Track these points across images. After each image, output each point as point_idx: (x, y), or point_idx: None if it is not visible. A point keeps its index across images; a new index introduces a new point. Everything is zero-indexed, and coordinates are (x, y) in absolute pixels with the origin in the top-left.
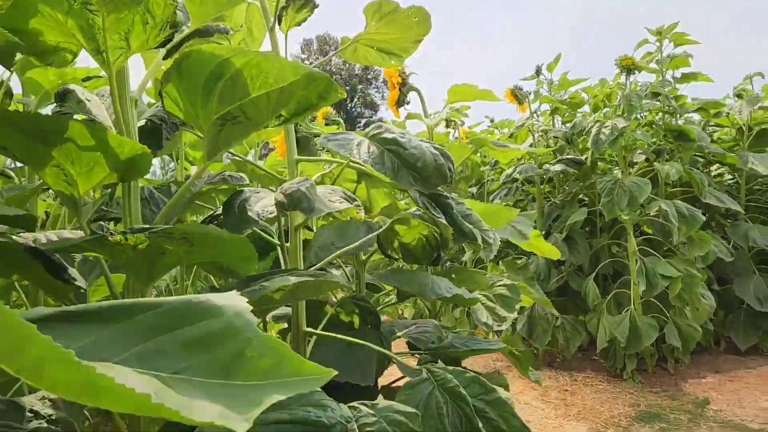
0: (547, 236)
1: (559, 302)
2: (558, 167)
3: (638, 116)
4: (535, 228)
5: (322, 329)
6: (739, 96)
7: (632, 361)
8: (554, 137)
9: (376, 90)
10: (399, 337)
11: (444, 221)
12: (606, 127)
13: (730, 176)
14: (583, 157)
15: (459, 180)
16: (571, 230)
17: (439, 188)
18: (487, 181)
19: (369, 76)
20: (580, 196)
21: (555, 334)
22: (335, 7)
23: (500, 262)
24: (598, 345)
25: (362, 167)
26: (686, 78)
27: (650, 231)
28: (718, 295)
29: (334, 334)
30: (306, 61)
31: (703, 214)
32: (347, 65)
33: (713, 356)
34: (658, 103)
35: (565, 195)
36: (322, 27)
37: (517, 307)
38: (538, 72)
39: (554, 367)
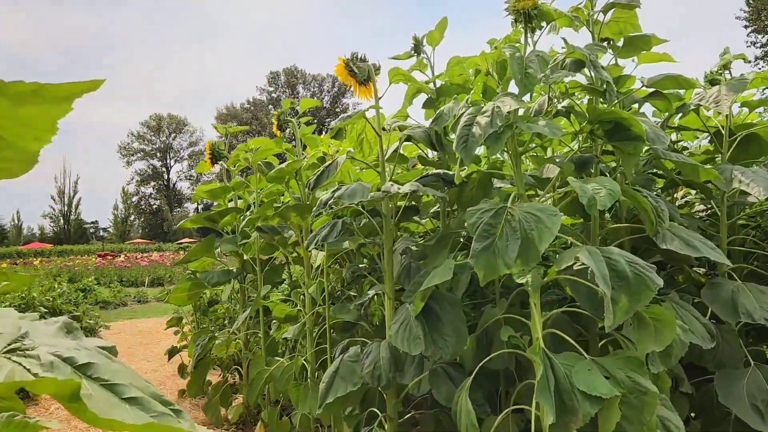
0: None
1: (430, 417)
2: (407, 188)
3: (557, 102)
4: None
5: None
6: (712, 83)
7: None
8: (408, 135)
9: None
10: None
11: None
12: (484, 113)
13: (702, 206)
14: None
15: (288, 209)
16: (432, 298)
17: None
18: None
19: (337, 110)
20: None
21: None
22: (301, 43)
23: None
24: None
25: None
26: (632, 46)
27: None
28: (690, 400)
29: None
30: (273, 94)
31: (664, 265)
32: (314, 98)
33: None
34: (591, 86)
35: (429, 239)
36: (289, 60)
37: None
38: (417, 48)
39: None
